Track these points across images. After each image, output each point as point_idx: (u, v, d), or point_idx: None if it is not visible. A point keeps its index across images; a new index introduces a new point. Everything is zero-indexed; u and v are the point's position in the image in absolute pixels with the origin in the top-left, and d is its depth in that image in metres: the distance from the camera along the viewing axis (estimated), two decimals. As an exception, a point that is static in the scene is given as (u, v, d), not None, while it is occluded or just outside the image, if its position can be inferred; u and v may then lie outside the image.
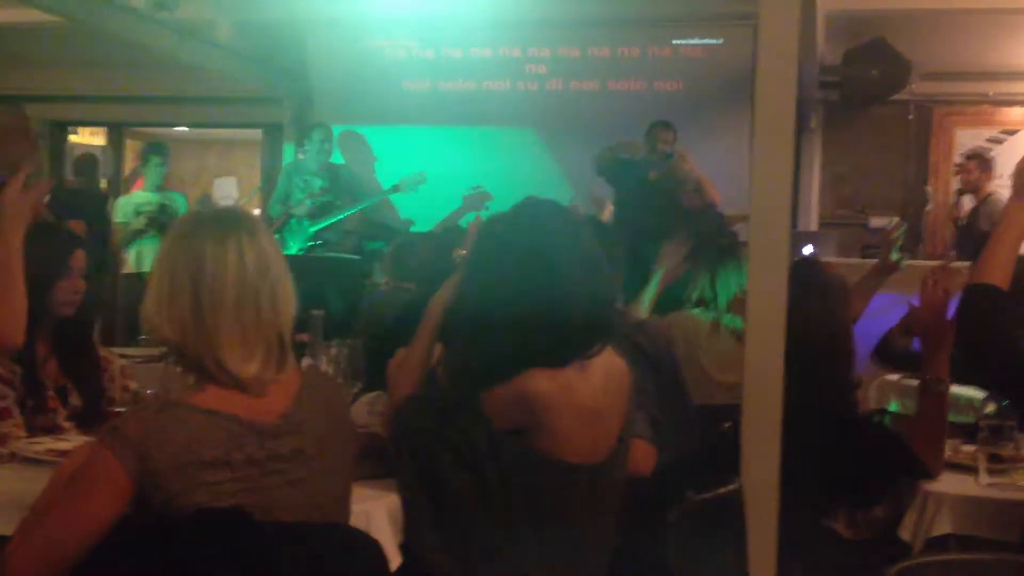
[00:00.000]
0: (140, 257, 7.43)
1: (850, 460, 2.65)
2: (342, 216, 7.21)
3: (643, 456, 2.46)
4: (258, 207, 9.79)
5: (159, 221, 7.31)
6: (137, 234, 7.45)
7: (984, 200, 7.07)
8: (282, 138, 9.12)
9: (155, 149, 7.97)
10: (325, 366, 2.80)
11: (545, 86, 8.14)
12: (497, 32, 8.05)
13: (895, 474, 2.74)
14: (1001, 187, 7.16)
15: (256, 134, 10.07)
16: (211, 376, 1.82)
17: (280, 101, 8.88)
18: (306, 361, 2.72)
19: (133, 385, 2.92)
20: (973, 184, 7.23)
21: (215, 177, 12.37)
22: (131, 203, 7.64)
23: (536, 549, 2.05)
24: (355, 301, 4.75)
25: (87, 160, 8.49)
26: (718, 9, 7.26)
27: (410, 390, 2.23)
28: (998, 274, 2.35)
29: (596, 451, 2.10)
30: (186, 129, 11.52)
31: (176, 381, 2.02)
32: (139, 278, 7.29)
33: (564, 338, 2.05)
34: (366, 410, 2.81)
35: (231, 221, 1.89)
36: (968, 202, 7.29)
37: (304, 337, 2.85)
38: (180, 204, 7.82)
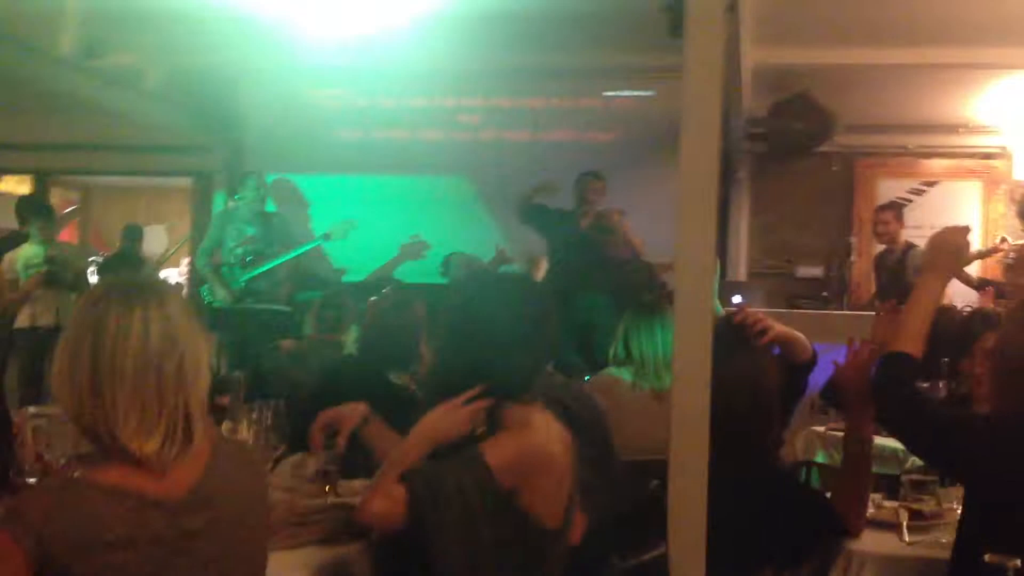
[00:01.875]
0: (35, 313, 7.23)
1: (775, 521, 2.66)
2: (273, 265, 7.12)
3: (576, 523, 2.45)
4: (188, 256, 9.67)
5: (53, 273, 7.11)
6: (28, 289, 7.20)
7: (908, 251, 7.23)
8: (213, 186, 9.02)
9: (37, 212, 7.59)
10: (246, 431, 2.74)
11: (478, 135, 8.18)
12: (430, 82, 8.09)
13: (819, 534, 2.75)
14: (919, 237, 7.39)
15: (186, 182, 9.95)
16: (110, 450, 1.75)
17: (211, 149, 8.80)
18: (226, 425, 2.67)
19: (47, 456, 2.81)
20: (890, 235, 7.38)
21: (144, 226, 12.21)
22: (21, 258, 7.35)
23: None
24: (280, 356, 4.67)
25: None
26: (649, 61, 7.36)
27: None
28: (911, 343, 2.40)
29: (558, 516, 2.18)
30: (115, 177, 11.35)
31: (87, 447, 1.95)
32: (33, 332, 7.12)
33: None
34: (290, 473, 2.76)
35: (141, 290, 1.82)
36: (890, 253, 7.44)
37: (224, 400, 2.80)
38: (72, 255, 7.63)
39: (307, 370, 4.16)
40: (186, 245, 9.51)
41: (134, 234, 9.37)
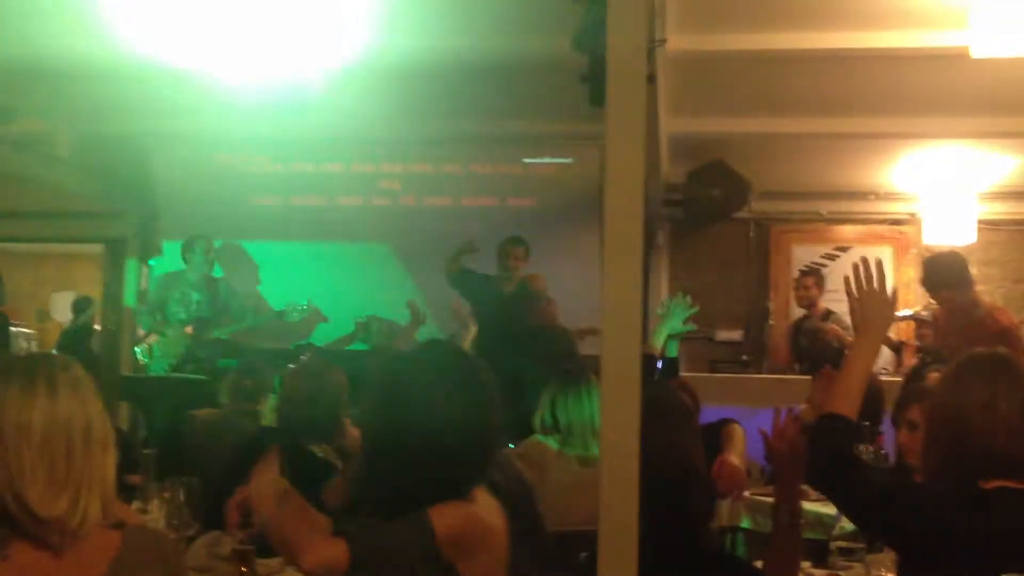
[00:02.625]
0: None
1: None
2: (228, 333, 6.99)
3: None
4: (98, 324, 9.42)
5: None
6: None
7: (827, 317, 7.36)
8: (125, 252, 8.81)
9: None
10: (157, 510, 2.62)
11: (399, 201, 8.15)
12: (349, 148, 8.06)
13: None
14: (833, 302, 7.57)
15: (97, 248, 9.71)
16: (14, 523, 1.66)
17: (123, 215, 8.60)
18: (136, 504, 2.54)
19: None
20: (810, 300, 7.52)
21: (53, 291, 11.90)
22: None
23: None
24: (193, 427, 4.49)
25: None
26: (567, 128, 7.44)
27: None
28: (847, 405, 2.39)
29: None
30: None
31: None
32: None
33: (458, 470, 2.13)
34: (204, 552, 2.64)
35: (44, 359, 1.80)
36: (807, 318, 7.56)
37: (135, 479, 2.68)
38: None
39: (222, 442, 4.01)
40: (96, 313, 9.27)
41: (84, 306, 9.25)
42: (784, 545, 2.73)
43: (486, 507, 2.16)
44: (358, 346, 7.14)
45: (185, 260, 7.28)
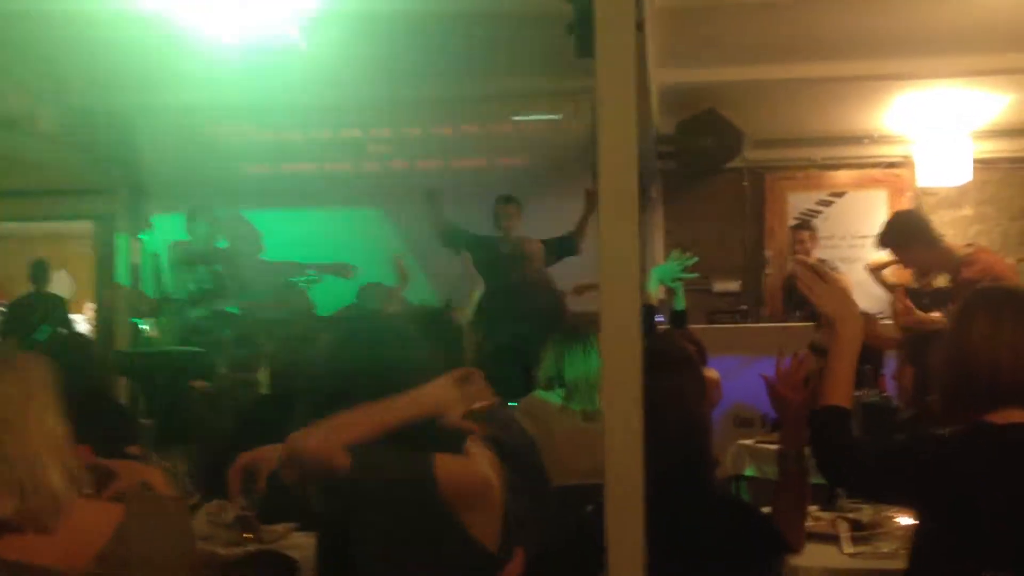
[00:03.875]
0: None
1: (715, 542, 2.61)
2: (227, 308, 6.94)
3: (516, 557, 2.36)
4: (92, 301, 9.39)
5: None
6: None
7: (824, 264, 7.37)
8: (115, 229, 8.75)
9: None
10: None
11: (389, 166, 8.09)
12: (338, 114, 7.98)
13: (761, 552, 2.70)
14: (827, 249, 7.82)
15: (87, 226, 9.65)
16: None
17: (111, 191, 8.54)
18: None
19: None
20: (807, 253, 7.57)
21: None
22: None
23: None
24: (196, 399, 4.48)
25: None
26: (555, 85, 7.36)
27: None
28: (840, 394, 2.39)
29: (493, 541, 2.13)
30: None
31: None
32: None
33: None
34: (207, 521, 2.62)
35: None
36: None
37: (135, 450, 2.66)
38: None
39: (220, 412, 4.00)
40: (91, 290, 9.23)
41: (41, 271, 9.16)
42: (792, 491, 2.72)
43: (483, 461, 2.14)
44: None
45: (188, 232, 7.22)
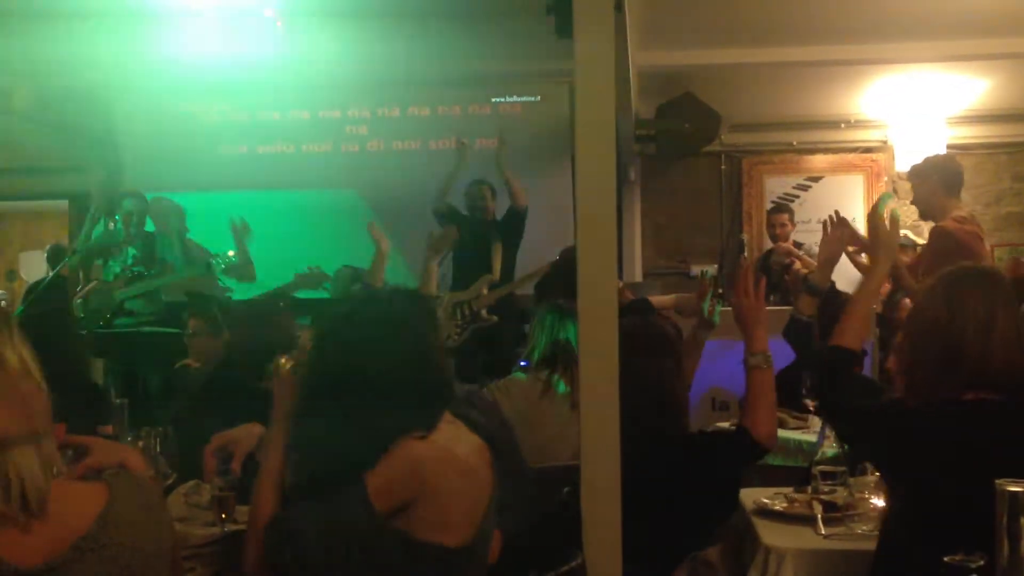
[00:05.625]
0: None
1: (692, 470, 2.84)
2: (155, 285, 6.89)
3: (494, 541, 2.36)
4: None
5: None
6: None
7: (798, 248, 7.41)
8: (90, 207, 8.69)
9: None
10: (132, 460, 2.58)
11: (366, 147, 8.06)
12: (315, 94, 7.94)
13: (736, 458, 2.92)
14: (803, 233, 7.80)
15: (62, 204, 9.57)
16: None
17: (87, 169, 8.46)
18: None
19: None
20: (786, 236, 7.55)
21: (20, 251, 11.74)
22: None
23: None
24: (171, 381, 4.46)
25: None
26: (534, 67, 7.34)
27: (274, 503, 2.11)
28: (851, 336, 2.49)
29: (466, 532, 2.07)
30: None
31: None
32: None
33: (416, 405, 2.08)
34: (183, 502, 2.60)
35: None
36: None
37: (108, 429, 2.64)
38: None
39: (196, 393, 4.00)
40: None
41: (61, 255, 9.13)
42: (760, 391, 2.93)
43: (452, 443, 2.10)
44: (321, 295, 7.05)
45: (117, 216, 7.18)
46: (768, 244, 8.03)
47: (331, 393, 2.07)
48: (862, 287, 2.65)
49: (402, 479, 2.01)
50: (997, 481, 1.75)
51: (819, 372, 2.52)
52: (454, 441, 2.11)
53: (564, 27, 2.94)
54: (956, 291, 2.28)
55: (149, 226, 7.31)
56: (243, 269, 6.92)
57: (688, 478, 2.85)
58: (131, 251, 7.01)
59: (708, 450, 2.97)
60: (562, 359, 3.76)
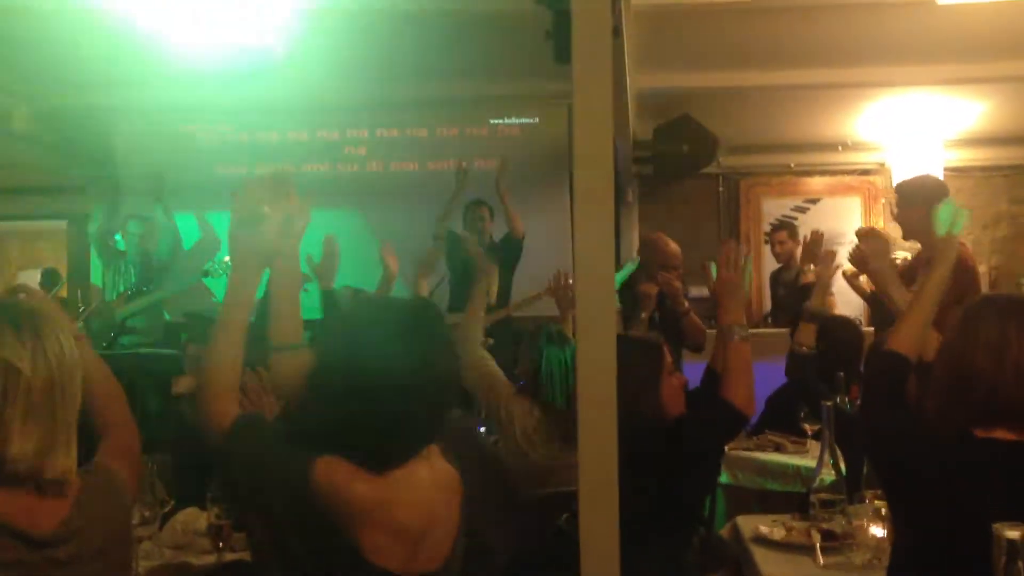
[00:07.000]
0: None
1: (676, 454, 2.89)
2: (149, 302, 6.91)
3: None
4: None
5: None
6: None
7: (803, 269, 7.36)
8: (89, 227, 8.70)
9: None
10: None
11: (365, 167, 8.08)
12: (314, 115, 7.96)
13: (718, 428, 3.00)
14: None
15: (61, 224, 9.58)
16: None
17: (86, 190, 8.47)
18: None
19: None
20: (787, 254, 7.50)
21: (18, 270, 11.73)
22: None
23: None
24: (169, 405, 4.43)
25: None
26: (532, 89, 7.37)
27: (231, 404, 2.05)
28: (907, 343, 2.33)
29: (426, 560, 2.00)
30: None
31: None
32: None
33: (383, 444, 1.96)
34: (181, 530, 2.59)
35: (32, 315, 1.82)
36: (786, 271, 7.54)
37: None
38: None
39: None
40: (63, 288, 9.16)
41: (54, 279, 9.18)
42: (738, 361, 3.00)
43: (404, 482, 1.99)
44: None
45: (117, 236, 7.25)
46: (767, 264, 8.03)
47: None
48: (920, 287, 2.43)
49: (334, 497, 1.91)
50: (995, 525, 1.71)
51: (868, 380, 2.42)
52: (410, 477, 2.01)
53: (562, 52, 2.96)
54: (970, 317, 2.22)
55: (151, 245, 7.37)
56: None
57: (675, 461, 2.92)
58: (132, 271, 7.04)
59: (693, 431, 3.02)
60: (559, 381, 3.75)
